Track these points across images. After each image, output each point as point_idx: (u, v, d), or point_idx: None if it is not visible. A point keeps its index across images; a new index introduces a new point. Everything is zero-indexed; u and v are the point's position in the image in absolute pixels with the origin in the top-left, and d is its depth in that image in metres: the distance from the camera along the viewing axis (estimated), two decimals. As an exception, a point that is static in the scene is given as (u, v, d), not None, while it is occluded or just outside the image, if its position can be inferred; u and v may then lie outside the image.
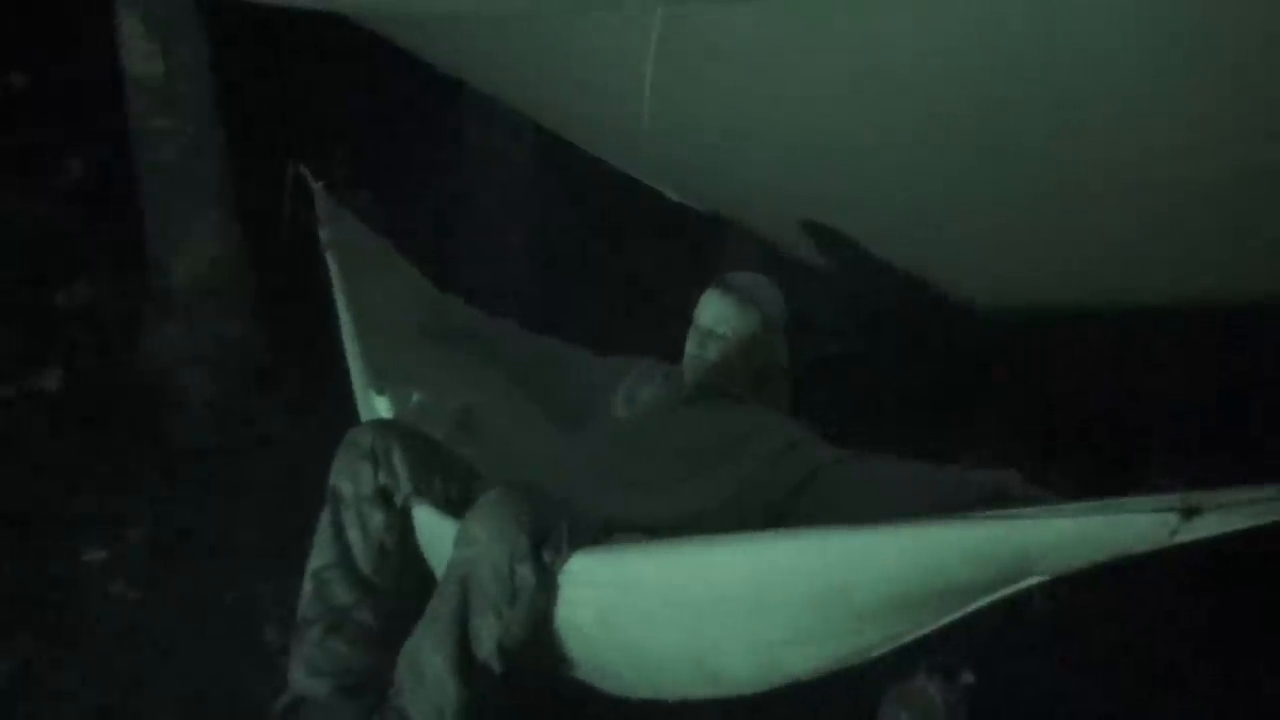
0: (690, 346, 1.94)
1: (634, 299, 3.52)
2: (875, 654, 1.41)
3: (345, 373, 2.15)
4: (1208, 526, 1.04)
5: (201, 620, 2.11)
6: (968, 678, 1.80)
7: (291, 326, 3.06)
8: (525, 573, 1.49)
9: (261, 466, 2.67)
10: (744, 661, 1.49)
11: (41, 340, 2.93)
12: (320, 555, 1.73)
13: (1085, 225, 1.84)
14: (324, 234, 2.27)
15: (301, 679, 1.70)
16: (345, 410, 2.11)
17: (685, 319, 2.02)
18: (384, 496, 1.70)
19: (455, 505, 1.68)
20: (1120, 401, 2.66)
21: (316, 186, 2.36)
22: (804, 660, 1.45)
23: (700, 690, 1.56)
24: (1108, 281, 2.05)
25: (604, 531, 1.65)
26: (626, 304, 3.47)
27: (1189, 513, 1.04)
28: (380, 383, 1.97)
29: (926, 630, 1.36)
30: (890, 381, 3.07)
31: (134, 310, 3.00)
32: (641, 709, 1.66)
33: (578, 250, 3.78)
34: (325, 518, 1.73)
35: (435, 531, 1.67)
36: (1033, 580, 1.23)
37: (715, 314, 1.92)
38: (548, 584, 1.50)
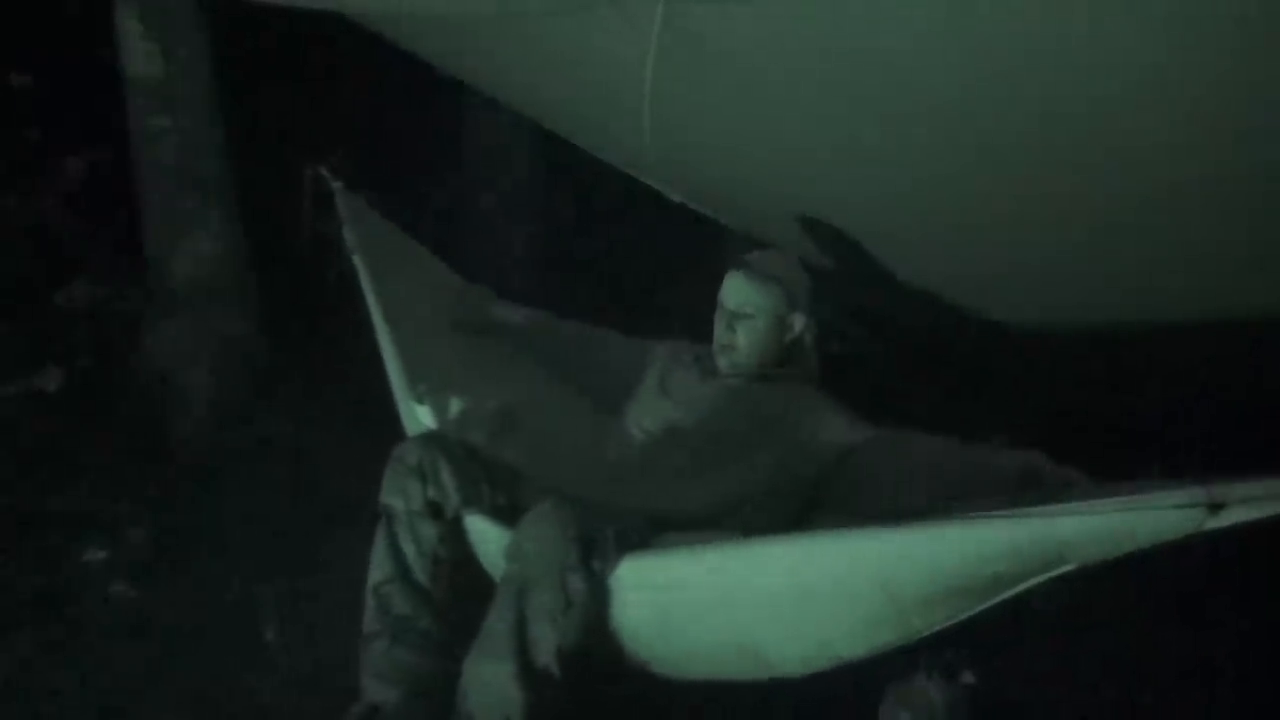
0: (718, 329, 1.94)
1: (634, 299, 3.52)
2: (919, 638, 1.45)
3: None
4: (1232, 518, 1.10)
5: (201, 620, 2.11)
6: (968, 678, 1.80)
7: (291, 326, 3.07)
8: (576, 582, 1.54)
9: (261, 466, 2.67)
10: (792, 649, 1.54)
11: (41, 340, 2.93)
12: (378, 570, 1.77)
13: (1087, 226, 1.84)
14: (349, 235, 2.26)
15: (373, 687, 1.75)
16: (345, 410, 2.11)
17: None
18: (434, 509, 1.75)
19: (504, 511, 1.75)
20: (1122, 405, 2.66)
21: (337, 186, 2.35)
22: (850, 647, 1.49)
23: (753, 673, 1.61)
24: (1109, 283, 2.05)
25: (649, 529, 1.69)
26: (626, 304, 3.47)
27: (1216, 505, 1.10)
28: (419, 391, 2.00)
29: (967, 616, 1.40)
30: (890, 382, 3.07)
31: (134, 310, 3.00)
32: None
33: (578, 250, 3.78)
34: (380, 534, 1.78)
35: (487, 538, 1.74)
36: (1065, 568, 1.28)
37: (739, 295, 1.92)
38: (599, 591, 1.56)
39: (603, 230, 3.77)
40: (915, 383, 3.07)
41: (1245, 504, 1.09)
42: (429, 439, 1.84)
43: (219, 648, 2.03)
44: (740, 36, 1.68)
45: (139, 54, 2.79)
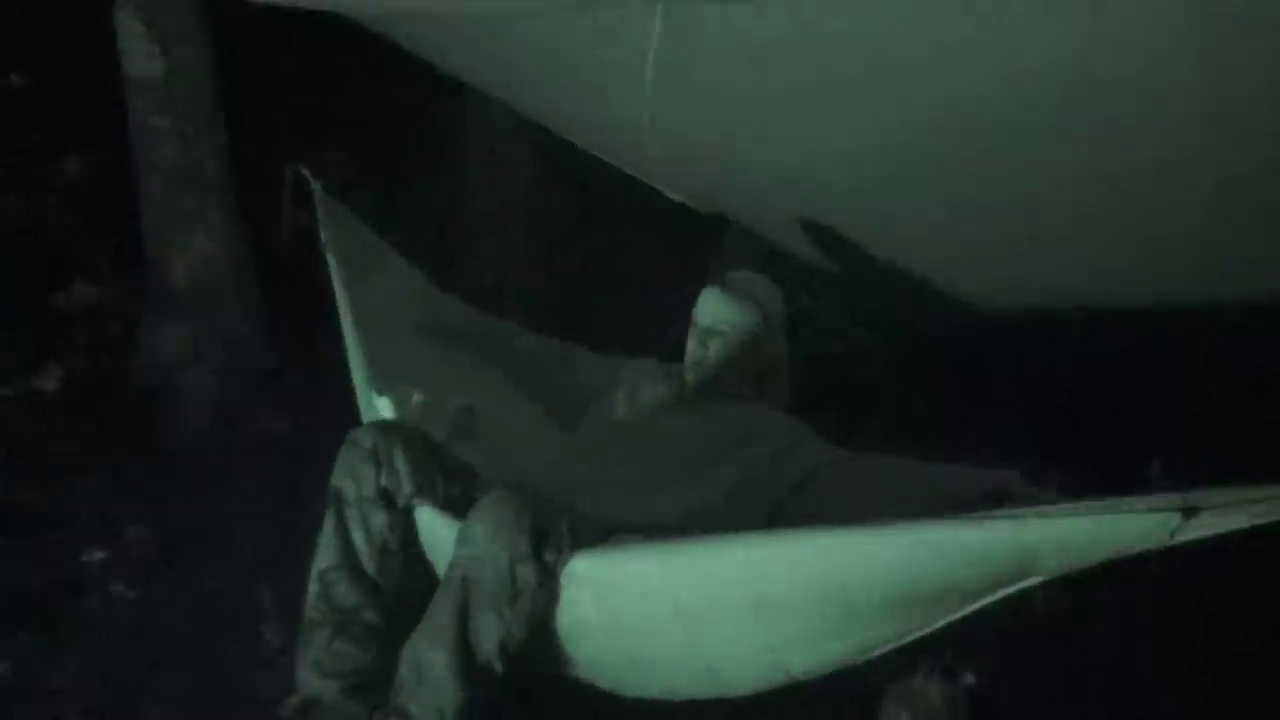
0: (691, 345, 1.94)
1: (634, 299, 3.52)
2: (876, 654, 1.42)
3: (346, 372, 2.15)
4: (1207, 526, 1.05)
5: (201, 620, 2.10)
6: (968, 678, 1.79)
7: (291, 326, 3.07)
8: (526, 573, 1.50)
9: (261, 466, 2.67)
10: (746, 662, 1.50)
11: (41, 340, 2.93)
12: (325, 556, 1.74)
13: (1085, 225, 1.84)
14: (324, 233, 2.26)
15: (310, 680, 1.72)
16: (345, 410, 2.11)
17: (685, 319, 2.02)
18: (386, 497, 1.72)
19: (457, 505, 1.69)
20: (1120, 401, 2.66)
21: (315, 186, 2.35)
22: (805, 660, 1.46)
23: (703, 690, 1.56)
24: (1108, 281, 2.05)
25: (606, 533, 1.65)
26: (626, 304, 3.47)
27: (1189, 513, 1.05)
28: (381, 384, 1.97)
29: (929, 630, 1.36)
30: (890, 381, 3.07)
31: (134, 310, 3.00)
32: (641, 708, 1.66)
33: (578, 250, 3.78)
34: (329, 519, 1.74)
35: (438, 532, 1.69)
36: (1034, 580, 1.23)
37: (714, 312, 1.92)
38: (549, 584, 1.51)
39: (603, 230, 3.77)
40: (915, 382, 3.06)
41: (1220, 511, 1.05)
42: (386, 425, 1.82)
43: (219, 648, 2.03)
44: (740, 36, 1.68)
45: (139, 54, 2.79)
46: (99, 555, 2.26)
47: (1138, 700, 2.05)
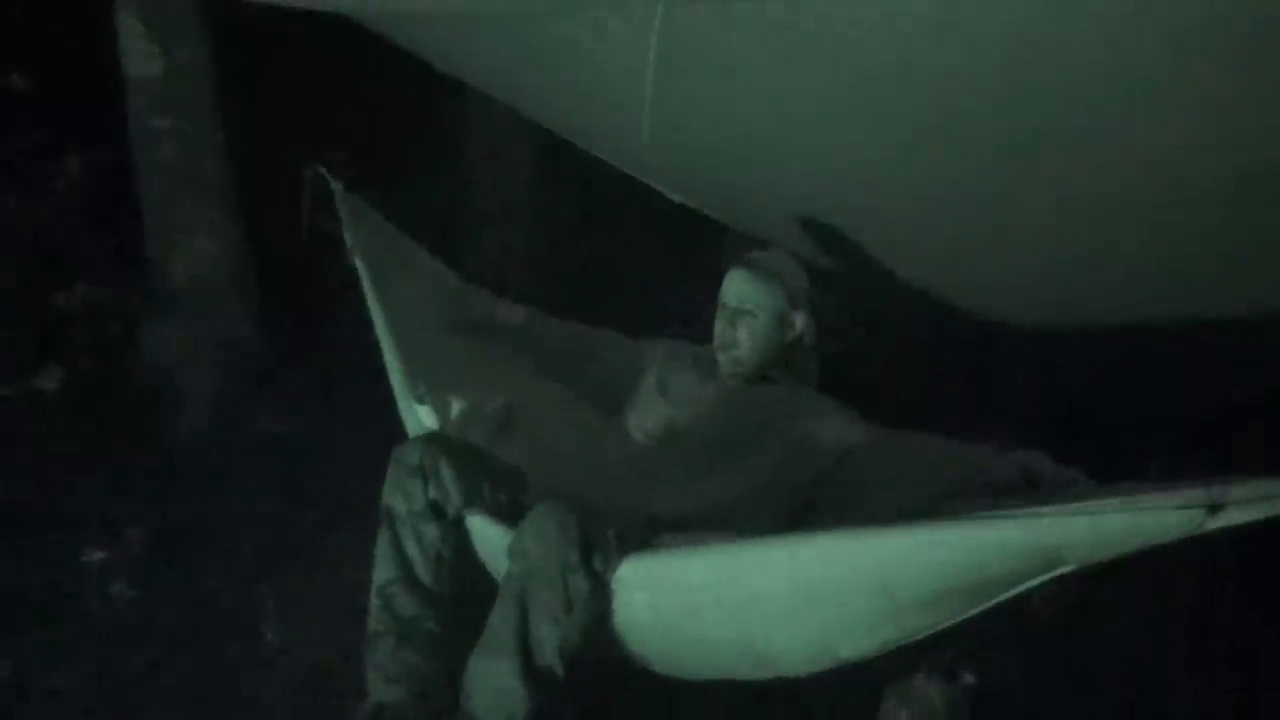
0: (719, 326, 1.93)
1: (634, 299, 3.52)
2: (917, 639, 1.47)
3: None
4: (1231, 519, 1.11)
5: (201, 620, 2.11)
6: (968, 678, 1.80)
7: (291, 326, 3.07)
8: (578, 582, 1.55)
9: (261, 466, 2.67)
10: (793, 650, 1.56)
11: (41, 340, 2.93)
12: (383, 571, 1.78)
13: (1085, 225, 1.84)
14: (349, 235, 2.26)
15: (379, 688, 1.76)
16: (345, 410, 2.11)
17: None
18: (436, 510, 1.76)
19: (506, 511, 1.75)
20: (1121, 405, 2.66)
21: (336, 186, 2.35)
22: (850, 647, 1.51)
23: (758, 674, 1.62)
24: (1108, 282, 2.05)
25: (650, 530, 1.70)
26: (626, 304, 3.46)
27: (1214, 508, 1.10)
28: (420, 391, 1.99)
29: (965, 617, 1.41)
30: (889, 383, 3.07)
31: (134, 310, 3.01)
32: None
33: (578, 250, 3.78)
34: (383, 535, 1.78)
35: (489, 538, 1.74)
36: (1063, 570, 1.29)
37: (741, 293, 1.91)
38: (600, 591, 1.57)
39: (603, 230, 3.77)
40: (915, 383, 3.06)
41: (1244, 505, 1.10)
42: (430, 439, 1.84)
43: (219, 648, 2.03)
44: (740, 36, 1.68)
45: (139, 54, 2.79)
46: (99, 555, 2.27)
47: (1142, 697, 2.05)
